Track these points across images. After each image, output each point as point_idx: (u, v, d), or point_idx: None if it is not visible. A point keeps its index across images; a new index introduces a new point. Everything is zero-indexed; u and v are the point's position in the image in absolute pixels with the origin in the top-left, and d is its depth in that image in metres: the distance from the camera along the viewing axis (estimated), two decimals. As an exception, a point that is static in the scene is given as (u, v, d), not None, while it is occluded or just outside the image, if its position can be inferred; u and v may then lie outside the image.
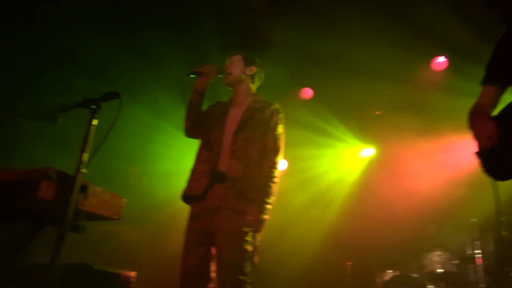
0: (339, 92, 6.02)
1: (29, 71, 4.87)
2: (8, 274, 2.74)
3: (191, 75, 2.84)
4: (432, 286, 4.93)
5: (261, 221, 2.54)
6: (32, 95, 4.72)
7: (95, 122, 2.30)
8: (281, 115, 2.88)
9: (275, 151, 2.75)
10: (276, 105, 2.92)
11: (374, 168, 6.67)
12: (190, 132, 2.91)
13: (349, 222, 6.04)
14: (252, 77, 3.00)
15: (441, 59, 5.95)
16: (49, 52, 4.89)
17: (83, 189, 2.25)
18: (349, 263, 5.69)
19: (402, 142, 6.19)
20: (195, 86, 2.84)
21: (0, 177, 2.21)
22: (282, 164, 2.84)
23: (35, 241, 2.65)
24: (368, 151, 6.87)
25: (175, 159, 5.58)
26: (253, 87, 3.02)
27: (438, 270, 5.06)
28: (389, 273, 5.26)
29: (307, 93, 6.57)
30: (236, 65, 2.96)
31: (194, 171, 2.76)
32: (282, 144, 2.81)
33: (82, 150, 2.23)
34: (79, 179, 2.16)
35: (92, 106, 2.31)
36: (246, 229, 2.52)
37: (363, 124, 6.55)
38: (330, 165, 6.69)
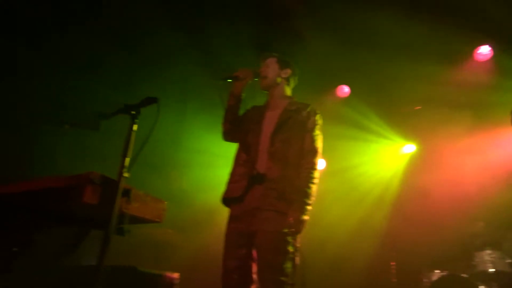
0: (377, 87, 5.86)
1: (61, 82, 5.17)
2: (57, 276, 2.84)
3: (228, 80, 2.85)
4: (483, 287, 4.71)
5: (302, 222, 2.52)
6: (65, 105, 4.97)
7: (135, 127, 2.36)
8: (318, 116, 2.86)
9: (313, 152, 2.73)
10: (313, 106, 2.91)
11: (416, 165, 6.44)
12: (228, 135, 2.94)
13: (392, 221, 5.88)
14: (287, 79, 3.01)
15: (485, 48, 5.68)
16: (78, 64, 5.14)
17: (126, 192, 2.29)
18: (393, 263, 5.53)
19: (445, 138, 5.96)
20: (232, 90, 2.88)
21: (47, 183, 2.29)
22: (320, 164, 2.81)
23: (82, 245, 2.74)
24: (409, 148, 6.65)
25: (213, 164, 5.64)
26: (288, 90, 3.03)
27: (490, 270, 4.82)
28: (437, 273, 5.07)
29: (344, 90, 6.44)
30: (271, 68, 2.97)
31: (232, 173, 2.79)
32: (320, 144, 2.79)
33: (124, 154, 2.29)
34: (122, 183, 2.22)
35: (132, 112, 2.38)
36: (286, 230, 2.51)
37: (403, 120, 6.35)
38: (370, 163, 6.53)
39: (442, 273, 5.00)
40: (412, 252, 5.49)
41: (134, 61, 5.37)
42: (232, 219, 2.70)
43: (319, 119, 2.86)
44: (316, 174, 2.68)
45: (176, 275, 3.73)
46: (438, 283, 4.92)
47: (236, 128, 2.89)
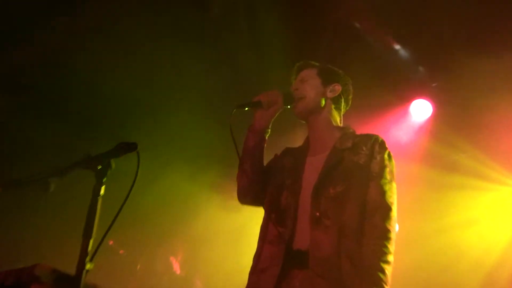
0: (472, 103, 4.40)
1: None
2: None
3: (245, 108, 1.98)
4: None
5: None
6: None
7: (102, 190, 1.58)
8: (387, 153, 1.92)
9: (385, 210, 1.80)
10: (378, 137, 1.97)
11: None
12: (246, 195, 2.04)
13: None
14: (335, 100, 2.09)
15: None
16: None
17: (89, 296, 1.70)
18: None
19: None
20: (252, 124, 2.02)
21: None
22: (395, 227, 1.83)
23: None
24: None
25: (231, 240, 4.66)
26: (338, 116, 2.11)
27: None
28: None
29: (424, 107, 4.79)
30: (309, 83, 2.07)
31: (258, 257, 1.90)
32: (393, 197, 1.84)
33: (86, 236, 1.57)
34: (83, 280, 1.50)
35: (98, 167, 1.60)
36: None
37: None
38: (480, 221, 4.91)
39: None
40: None
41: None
42: None
43: (389, 157, 1.93)
44: (392, 247, 1.76)
45: None
46: None
47: (259, 183, 1.98)
